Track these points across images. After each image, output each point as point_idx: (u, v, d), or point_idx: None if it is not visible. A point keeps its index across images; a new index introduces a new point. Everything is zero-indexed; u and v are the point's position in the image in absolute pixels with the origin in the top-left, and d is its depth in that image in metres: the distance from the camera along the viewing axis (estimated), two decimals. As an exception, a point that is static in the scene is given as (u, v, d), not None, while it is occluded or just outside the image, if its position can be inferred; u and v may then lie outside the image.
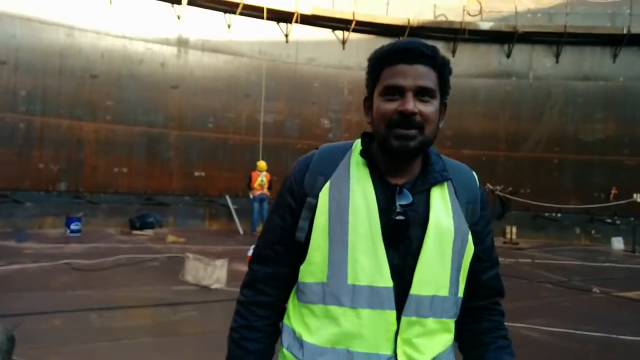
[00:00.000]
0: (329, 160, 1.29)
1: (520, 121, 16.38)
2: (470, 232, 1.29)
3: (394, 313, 1.21)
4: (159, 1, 14.23)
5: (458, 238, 1.26)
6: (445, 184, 1.29)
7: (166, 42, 14.44)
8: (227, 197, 14.23)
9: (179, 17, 14.48)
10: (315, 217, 1.25)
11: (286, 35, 15.63)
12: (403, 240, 1.22)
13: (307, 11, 15.04)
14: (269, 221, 1.37)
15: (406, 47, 1.23)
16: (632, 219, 13.80)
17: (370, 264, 1.20)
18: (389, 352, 1.21)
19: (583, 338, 5.35)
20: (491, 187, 13.85)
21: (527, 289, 7.83)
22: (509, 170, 16.01)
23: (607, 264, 10.74)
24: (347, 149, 1.32)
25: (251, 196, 13.12)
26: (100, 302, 5.70)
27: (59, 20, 13.05)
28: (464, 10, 16.00)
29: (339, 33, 16.07)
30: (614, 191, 15.27)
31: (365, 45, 16.16)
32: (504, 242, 13.60)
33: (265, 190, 13.07)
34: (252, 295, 1.35)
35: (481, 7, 16.38)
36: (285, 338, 1.32)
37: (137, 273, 7.49)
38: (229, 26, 15.04)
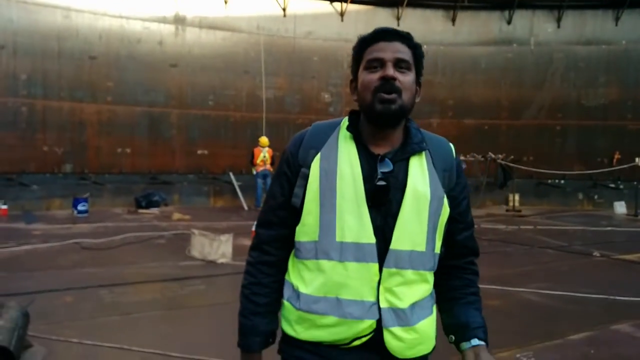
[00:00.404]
0: (320, 136, 1.47)
1: (522, 88, 16.30)
2: (446, 197, 1.46)
3: (376, 265, 1.38)
4: (155, -21, 14.14)
5: (434, 201, 1.42)
6: (424, 153, 1.45)
7: (163, 20, 14.37)
8: (231, 174, 14.33)
9: (175, -5, 14.38)
10: (308, 184, 1.42)
11: (284, 9, 15.51)
12: (384, 203, 1.39)
13: (304, -16, 14.90)
14: (270, 190, 1.54)
15: (385, 29, 1.45)
16: (635, 183, 13.81)
17: (355, 223, 1.38)
18: (372, 299, 1.38)
19: (582, 300, 5.46)
20: (493, 155, 13.89)
21: (528, 255, 7.95)
22: (512, 139, 16.00)
23: (609, 228, 10.83)
24: (336, 125, 1.49)
25: (254, 172, 13.21)
26: (110, 279, 5.83)
27: (55, 2, 13.00)
28: (463, -23, 15.80)
29: (337, 5, 15.91)
30: (617, 156, 15.28)
31: (364, 16, 16.01)
32: (507, 210, 13.68)
33: (268, 166, 13.14)
34: (259, 255, 1.52)
35: (480, -26, 16.16)
36: (286, 291, 1.49)
37: (145, 250, 7.63)
38: (225, 2, 14.92)
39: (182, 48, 14.59)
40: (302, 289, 1.43)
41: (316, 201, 1.40)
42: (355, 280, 1.38)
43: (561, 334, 4.42)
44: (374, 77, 1.40)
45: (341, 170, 1.40)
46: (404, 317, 1.40)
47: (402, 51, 1.41)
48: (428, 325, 1.46)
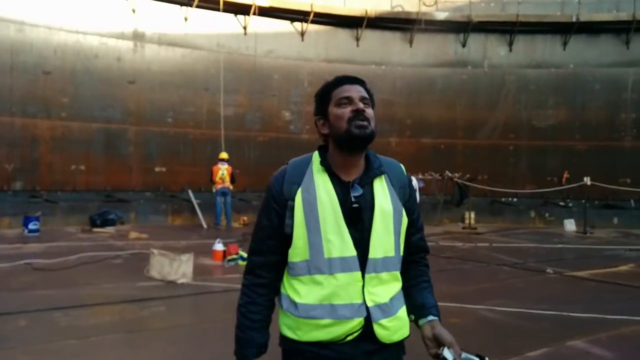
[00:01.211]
0: (298, 171, 1.74)
1: (477, 109, 16.84)
2: (404, 208, 1.78)
3: (359, 273, 1.67)
4: (113, -6, 13.98)
5: (396, 214, 1.74)
6: (383, 176, 1.77)
7: (121, 36, 14.18)
8: (190, 192, 14.14)
9: (133, 11, 14.22)
10: (294, 214, 1.69)
11: (244, 28, 15.57)
12: (359, 221, 1.68)
13: (265, 3, 15.01)
14: (259, 222, 1.79)
15: (346, 76, 1.78)
16: (583, 201, 14.41)
17: (338, 241, 1.66)
18: (359, 300, 1.66)
19: (537, 317, 5.60)
20: (450, 174, 14.21)
21: (485, 272, 8.13)
22: (467, 158, 16.45)
23: (560, 245, 11.20)
24: (309, 160, 1.77)
25: (214, 190, 13.08)
26: (65, 301, 5.63)
27: (9, 15, 12.66)
28: (419, 0, 16.27)
29: (298, 25, 16.09)
30: (566, 175, 15.91)
31: (324, 36, 16.25)
32: (463, 228, 13.99)
33: (227, 184, 13.02)
34: (253, 279, 1.77)
35: (436, -2, 16.71)
36: (284, 303, 1.75)
37: (101, 271, 7.41)
38: (185, 19, 14.87)
39: (141, 64, 14.42)
40: (299, 300, 1.68)
41: (303, 227, 1.67)
42: (344, 287, 1.65)
43: (518, 351, 4.51)
44: (346, 110, 1.70)
45: (320, 198, 1.67)
46: (387, 309, 1.70)
47: (363, 91, 1.75)
48: (404, 312, 1.77)
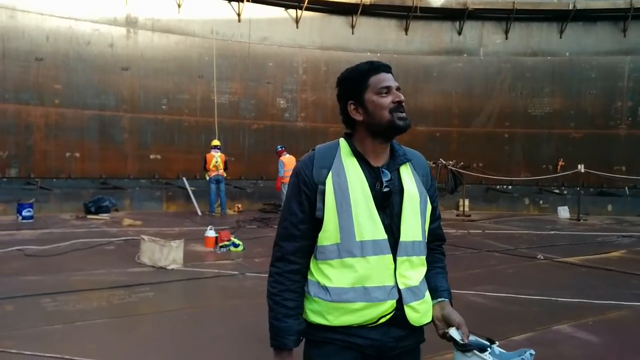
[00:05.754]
0: (326, 156, 1.76)
1: (472, 97, 16.81)
2: (427, 195, 1.84)
3: (390, 256, 1.70)
4: (106, -20, 13.86)
5: (422, 200, 1.79)
6: (408, 164, 1.82)
7: (114, 22, 14.08)
8: (184, 179, 14.14)
9: (127, -3, 14.12)
10: (326, 197, 1.71)
11: (238, 15, 15.46)
12: (388, 205, 1.72)
13: (259, -11, 14.90)
14: (288, 208, 1.78)
15: (381, 63, 1.80)
16: (577, 188, 14.43)
17: (369, 224, 1.69)
18: (392, 283, 1.70)
19: (525, 302, 5.64)
20: (444, 162, 14.20)
21: (476, 258, 8.14)
22: (462, 145, 16.46)
23: (553, 232, 11.23)
24: (336, 146, 1.80)
25: (207, 178, 13.07)
26: (54, 286, 5.64)
27: (0, 1, 12.53)
28: (415, -13, 16.16)
29: (292, 11, 15.99)
30: (561, 163, 15.94)
31: (319, 23, 16.15)
32: (457, 215, 14.01)
33: (221, 172, 13.01)
34: (285, 265, 1.76)
35: (432, -15, 16.59)
36: (312, 289, 1.75)
37: (92, 257, 7.40)
38: (179, 5, 14.76)
39: (134, 51, 14.34)
40: (330, 284, 1.69)
41: (334, 210, 1.69)
42: (377, 270, 1.67)
43: (504, 334, 4.54)
44: (387, 100, 1.73)
45: (351, 182, 1.70)
46: (418, 292, 1.74)
47: (396, 80, 1.79)
48: (429, 296, 1.81)
